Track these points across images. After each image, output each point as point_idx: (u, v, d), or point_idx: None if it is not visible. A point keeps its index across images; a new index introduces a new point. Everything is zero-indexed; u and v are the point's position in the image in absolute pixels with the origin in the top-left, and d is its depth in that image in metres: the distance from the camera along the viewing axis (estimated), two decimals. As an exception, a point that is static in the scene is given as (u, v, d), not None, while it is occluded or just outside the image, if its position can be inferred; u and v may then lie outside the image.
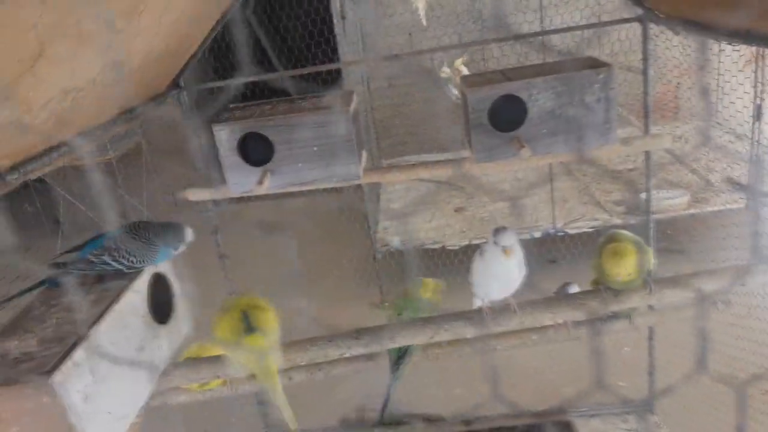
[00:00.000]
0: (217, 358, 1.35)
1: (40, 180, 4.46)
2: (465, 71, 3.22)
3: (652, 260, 1.43)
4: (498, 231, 1.51)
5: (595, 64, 1.66)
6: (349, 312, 3.45)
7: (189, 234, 1.40)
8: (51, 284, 1.26)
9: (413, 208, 3.88)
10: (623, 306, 1.44)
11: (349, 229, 4.08)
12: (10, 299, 1.26)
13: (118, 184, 4.37)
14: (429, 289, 1.65)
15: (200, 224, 2.09)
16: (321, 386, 2.50)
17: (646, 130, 1.91)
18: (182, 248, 1.41)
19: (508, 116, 1.66)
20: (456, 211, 3.83)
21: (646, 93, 1.91)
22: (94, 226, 4.46)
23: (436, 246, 3.46)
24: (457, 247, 3.40)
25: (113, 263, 1.22)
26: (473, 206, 3.81)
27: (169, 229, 1.35)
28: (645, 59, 1.89)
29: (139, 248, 1.27)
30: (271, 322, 1.28)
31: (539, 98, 1.64)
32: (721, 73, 3.71)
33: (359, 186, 3.96)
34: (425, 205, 3.94)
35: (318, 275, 3.87)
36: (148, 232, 1.31)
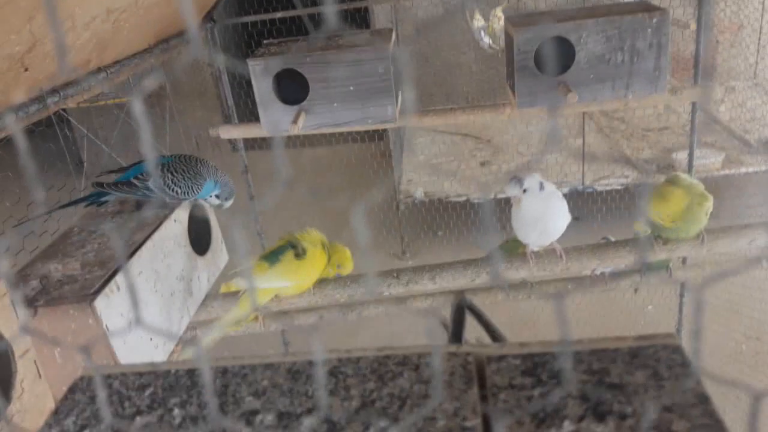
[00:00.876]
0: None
1: (63, 120, 4.45)
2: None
3: (709, 210, 1.38)
4: (509, 181, 1.48)
5: (648, 8, 1.58)
6: (371, 260, 3.45)
7: (231, 197, 1.36)
8: (95, 200, 1.24)
9: (439, 160, 3.82)
10: (673, 254, 1.40)
11: (373, 180, 4.05)
12: (52, 211, 1.23)
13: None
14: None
15: (229, 165, 2.06)
16: (347, 329, 2.52)
17: (696, 81, 1.84)
18: (218, 204, 1.37)
19: (554, 60, 1.60)
20: (482, 164, 3.77)
21: (698, 42, 1.83)
22: (117, 167, 4.46)
23: (460, 199, 3.42)
24: (482, 201, 3.36)
25: (156, 189, 1.20)
26: (499, 160, 3.75)
27: (222, 175, 1.32)
28: (700, 6, 1.80)
29: (186, 179, 1.25)
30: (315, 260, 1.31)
31: (589, 41, 1.57)
32: (765, 32, 3.56)
33: (385, 137, 3.91)
34: (449, 157, 3.88)
35: (340, 223, 3.86)
36: (197, 166, 1.28)
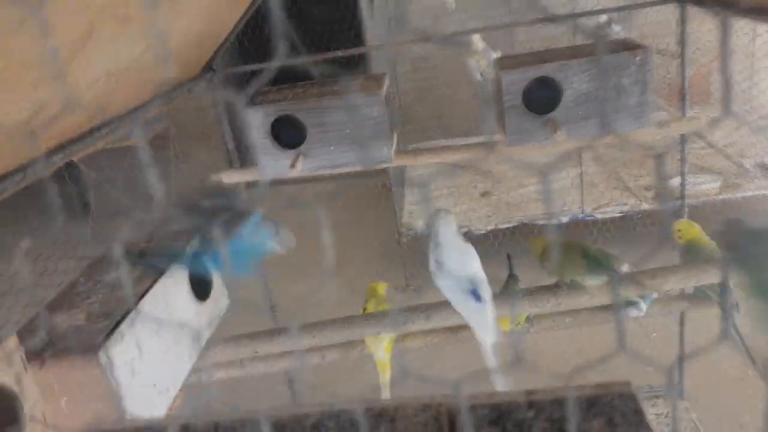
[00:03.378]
0: (254, 334, 1.38)
1: (69, 163, 4.54)
2: (482, 45, 3.18)
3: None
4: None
5: (631, 46, 1.64)
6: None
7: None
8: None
9: (439, 192, 3.87)
10: (655, 288, 1.44)
11: (374, 214, 4.10)
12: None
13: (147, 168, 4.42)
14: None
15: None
16: (351, 366, 2.54)
17: (683, 113, 1.89)
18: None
19: (542, 99, 1.65)
20: (482, 195, 3.82)
21: (683, 76, 1.88)
22: (124, 209, 4.54)
23: (462, 230, 3.46)
24: (483, 231, 3.40)
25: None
26: (499, 191, 3.80)
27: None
28: (682, 42, 1.86)
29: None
30: None
31: (574, 80, 1.63)
32: (758, 57, 3.63)
33: (386, 170, 3.97)
34: (449, 189, 3.93)
35: (343, 258, 3.90)
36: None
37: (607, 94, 1.66)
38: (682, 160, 1.97)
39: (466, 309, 1.26)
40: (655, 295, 1.68)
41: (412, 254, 3.56)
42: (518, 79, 1.61)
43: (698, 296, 1.68)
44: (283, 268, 1.63)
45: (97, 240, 4.19)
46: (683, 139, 1.92)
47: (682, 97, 1.90)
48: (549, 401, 0.46)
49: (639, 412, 0.44)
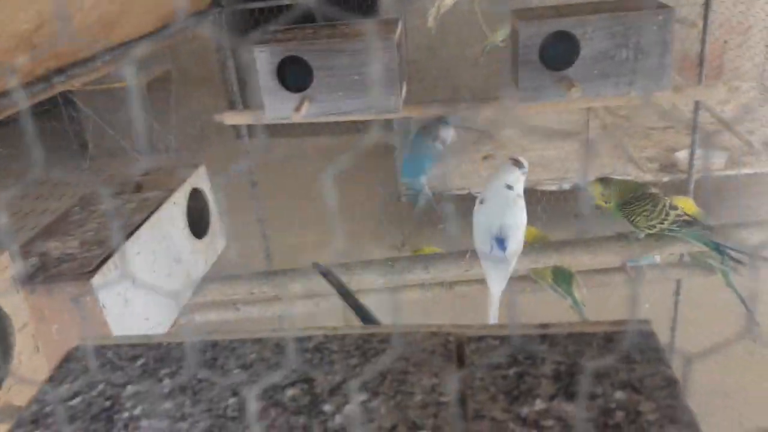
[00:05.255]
0: (250, 275, 1.36)
1: (69, 102, 4.46)
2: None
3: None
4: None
5: (653, 5, 1.58)
6: (371, 252, 3.47)
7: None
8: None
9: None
10: (663, 252, 1.42)
11: (375, 171, 4.06)
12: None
13: (146, 109, 4.36)
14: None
15: (231, 152, 2.08)
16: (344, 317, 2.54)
17: (699, 80, 1.84)
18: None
19: (558, 55, 1.61)
20: (484, 158, 3.78)
21: (704, 41, 1.83)
22: (122, 150, 4.49)
23: (462, 192, 3.43)
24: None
25: None
26: (501, 154, 3.75)
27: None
28: (706, 5, 1.80)
29: None
30: None
31: (593, 37, 1.57)
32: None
33: (389, 127, 3.91)
34: (453, 150, 3.88)
35: (341, 214, 3.87)
36: None
37: (626, 53, 1.61)
38: (694, 128, 1.93)
39: (486, 255, 1.24)
40: (657, 258, 1.67)
41: (411, 214, 3.54)
42: (536, 33, 1.56)
43: (695, 264, 1.67)
44: (280, 220, 1.60)
45: (94, 180, 4.14)
46: (697, 107, 1.87)
47: (700, 63, 1.85)
48: (563, 335, 0.44)
49: (657, 350, 0.42)
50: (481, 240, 1.25)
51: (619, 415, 0.37)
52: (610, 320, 0.45)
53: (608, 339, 0.44)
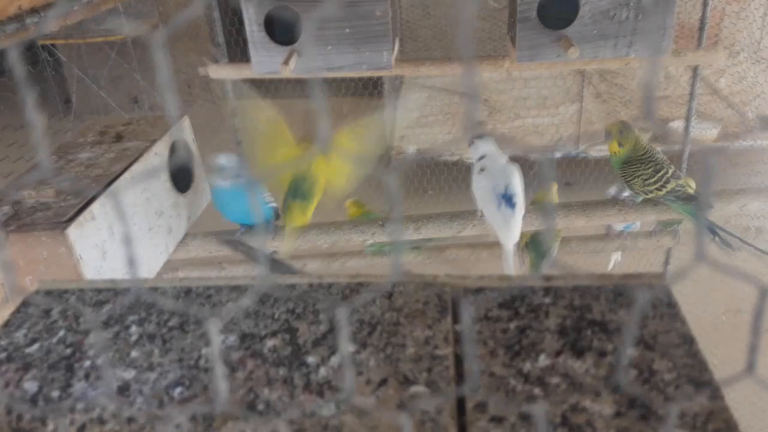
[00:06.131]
0: (234, 231, 1.32)
1: (53, 56, 4.32)
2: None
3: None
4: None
5: (657, -36, 1.53)
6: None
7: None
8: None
9: (433, 118, 3.76)
10: (662, 217, 1.40)
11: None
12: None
13: (131, 65, 4.24)
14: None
15: (218, 110, 2.01)
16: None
17: (699, 44, 1.79)
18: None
19: (557, 13, 1.55)
20: (477, 124, 3.72)
21: (705, 4, 1.77)
22: (107, 107, 4.37)
23: (453, 158, 3.39)
24: (473, 161, 3.33)
25: None
26: (494, 120, 3.70)
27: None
28: (710, -35, 1.74)
29: None
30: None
31: (594, -4, 1.52)
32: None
33: (379, 89, 3.83)
34: (445, 115, 3.82)
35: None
36: None
37: (626, 13, 1.56)
38: (692, 95, 1.88)
39: (495, 213, 1.28)
40: (638, 224, 1.65)
41: (400, 178, 3.49)
42: (535, -10, 1.50)
43: (663, 231, 1.66)
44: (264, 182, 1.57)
45: (73, 128, 4.04)
46: (696, 73, 1.82)
47: (701, 27, 1.80)
48: (569, 288, 0.41)
49: (672, 305, 0.39)
50: (488, 201, 1.28)
51: (632, 373, 0.34)
52: (620, 273, 0.41)
53: (617, 293, 0.40)
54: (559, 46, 1.53)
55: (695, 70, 1.82)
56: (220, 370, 0.35)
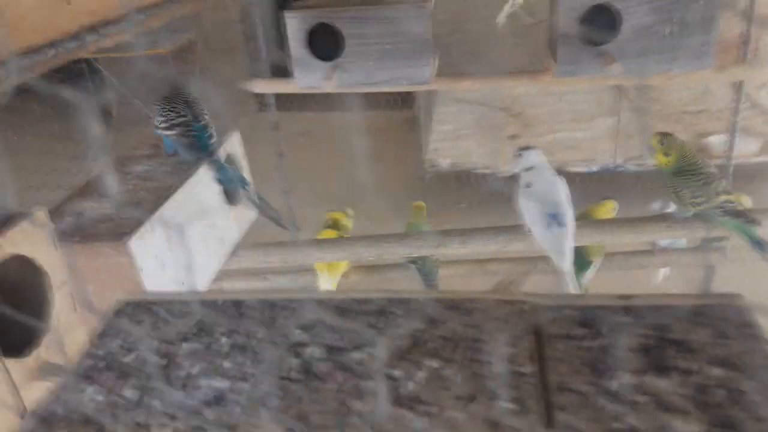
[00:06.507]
0: (283, 244, 1.35)
1: (93, 69, 4.46)
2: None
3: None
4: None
5: (701, -21, 1.52)
6: (393, 230, 3.44)
7: None
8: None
9: (467, 131, 3.77)
10: (712, 233, 1.38)
11: (398, 148, 4.01)
12: None
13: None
14: None
15: (256, 124, 2.05)
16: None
17: (742, 59, 1.77)
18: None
19: (598, 29, 1.55)
20: (510, 138, 3.72)
21: (750, 18, 1.76)
22: (145, 118, 4.48)
23: (487, 171, 3.38)
24: (508, 175, 3.32)
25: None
26: (528, 134, 3.69)
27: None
28: (755, -20, 1.73)
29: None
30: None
31: (636, 11, 1.52)
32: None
33: (413, 103, 3.85)
34: (478, 128, 3.83)
35: (364, 190, 3.84)
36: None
37: (669, 28, 1.55)
38: (735, 110, 1.86)
39: (544, 233, 1.26)
40: (684, 242, 1.63)
41: (435, 191, 3.50)
42: (576, 6, 1.51)
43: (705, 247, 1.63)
44: (304, 194, 1.59)
45: (117, 148, 4.15)
46: (740, 88, 1.80)
47: (744, 42, 1.78)
48: (648, 308, 0.42)
49: (753, 326, 0.39)
50: (536, 220, 1.26)
51: (720, 393, 0.35)
52: (699, 293, 0.42)
53: (697, 312, 0.41)
54: (600, 62, 1.53)
55: (739, 85, 1.80)
56: (382, 386, 0.36)
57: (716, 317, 0.40)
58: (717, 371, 0.36)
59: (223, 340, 0.44)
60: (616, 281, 1.72)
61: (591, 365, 0.38)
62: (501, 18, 3.06)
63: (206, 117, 1.24)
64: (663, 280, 1.83)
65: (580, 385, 0.36)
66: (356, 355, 0.41)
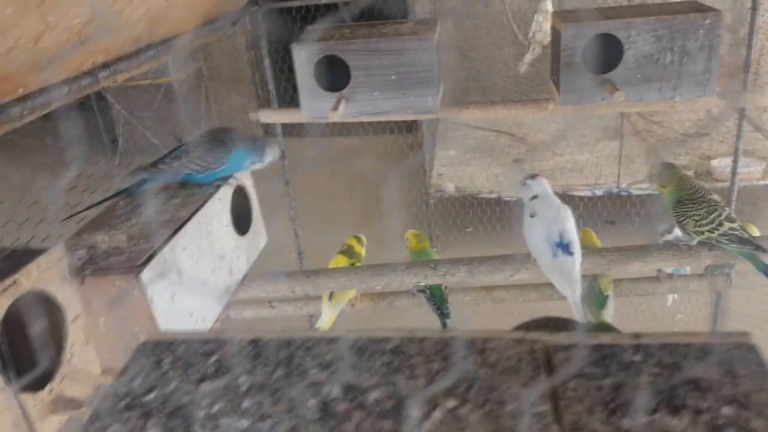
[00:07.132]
0: (292, 273, 1.36)
1: (101, 98, 4.52)
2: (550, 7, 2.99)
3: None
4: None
5: (700, 8, 1.55)
6: (398, 255, 3.45)
7: (270, 153, 1.37)
8: (132, 192, 1.24)
9: (471, 155, 3.80)
10: (717, 261, 1.39)
11: (402, 173, 4.03)
12: (92, 207, 1.25)
13: (177, 106, 4.40)
14: None
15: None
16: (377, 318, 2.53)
17: (744, 86, 1.80)
18: (259, 165, 1.38)
19: (601, 58, 1.58)
20: (514, 161, 3.74)
21: (749, 46, 1.78)
22: (152, 146, 4.54)
23: (491, 196, 3.40)
24: (514, 199, 3.33)
25: (185, 167, 1.19)
26: (533, 159, 3.72)
27: (249, 140, 1.32)
28: (754, 8, 1.76)
29: (210, 150, 1.24)
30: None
31: (638, 40, 1.54)
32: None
33: (417, 129, 3.89)
34: (483, 153, 3.86)
35: (369, 215, 3.86)
36: (225, 136, 1.28)
37: (671, 57, 1.58)
38: (738, 136, 1.88)
39: (552, 263, 1.26)
40: (687, 269, 1.64)
41: (439, 215, 3.52)
42: (580, 34, 1.53)
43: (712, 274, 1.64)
44: (310, 221, 1.61)
45: (123, 176, 4.19)
46: (742, 114, 1.82)
47: (746, 68, 1.81)
48: (658, 346, 0.42)
49: (761, 364, 0.40)
50: (542, 250, 1.26)
51: (730, 431, 0.35)
52: (708, 332, 0.43)
53: (706, 351, 0.42)
54: (603, 90, 1.56)
55: (741, 111, 1.82)
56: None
57: (725, 355, 0.41)
58: (727, 410, 0.37)
59: (243, 378, 0.44)
60: (629, 305, 1.72)
61: (604, 404, 0.39)
62: (522, 66, 3.10)
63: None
64: (672, 303, 1.83)
65: (595, 424, 0.37)
66: (374, 395, 0.42)
